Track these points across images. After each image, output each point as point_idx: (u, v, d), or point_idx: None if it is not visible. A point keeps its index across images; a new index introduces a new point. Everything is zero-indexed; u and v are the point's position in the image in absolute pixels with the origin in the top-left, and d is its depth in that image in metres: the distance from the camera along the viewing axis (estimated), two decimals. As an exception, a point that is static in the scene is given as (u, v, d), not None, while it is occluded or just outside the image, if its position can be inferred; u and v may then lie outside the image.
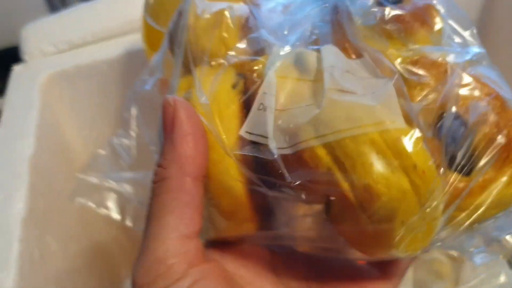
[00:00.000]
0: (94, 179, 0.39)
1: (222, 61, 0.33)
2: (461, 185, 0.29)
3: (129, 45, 0.64)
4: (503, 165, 0.29)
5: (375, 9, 0.32)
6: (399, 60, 0.31)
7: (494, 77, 0.31)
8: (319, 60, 0.30)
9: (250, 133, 0.30)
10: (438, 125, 0.29)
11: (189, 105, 0.29)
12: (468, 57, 0.32)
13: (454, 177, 0.29)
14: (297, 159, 0.29)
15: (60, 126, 0.64)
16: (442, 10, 0.33)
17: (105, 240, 0.68)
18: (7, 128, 0.56)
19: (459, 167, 0.29)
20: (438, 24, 0.33)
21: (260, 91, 0.30)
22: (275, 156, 0.29)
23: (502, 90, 0.31)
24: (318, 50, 0.31)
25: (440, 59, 0.31)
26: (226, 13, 0.34)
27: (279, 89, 0.30)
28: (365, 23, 0.31)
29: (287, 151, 0.29)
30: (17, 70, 0.64)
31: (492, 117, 0.29)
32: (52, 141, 0.60)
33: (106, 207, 0.38)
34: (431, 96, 0.30)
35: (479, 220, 0.30)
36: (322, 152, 0.28)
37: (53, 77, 0.63)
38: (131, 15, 0.65)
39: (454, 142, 0.29)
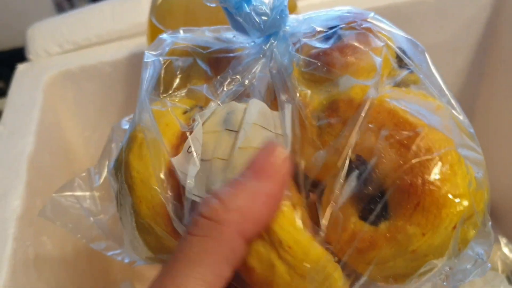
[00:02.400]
0: (66, 201, 0.39)
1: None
2: (366, 237, 0.27)
3: (133, 48, 0.64)
4: (413, 214, 0.26)
5: (298, 55, 0.31)
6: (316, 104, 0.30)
7: (418, 108, 0.28)
8: (244, 114, 0.30)
9: (176, 168, 0.30)
10: (345, 173, 0.27)
11: (288, 162, 0.26)
12: (392, 83, 0.30)
13: (358, 229, 0.27)
14: None
15: (62, 126, 0.64)
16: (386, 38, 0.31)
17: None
18: (7, 125, 0.56)
19: (366, 216, 0.27)
20: (373, 56, 0.30)
21: (191, 136, 0.30)
22: (187, 197, 0.29)
23: (423, 123, 0.27)
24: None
25: (356, 98, 0.28)
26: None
27: (205, 139, 0.30)
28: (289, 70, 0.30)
29: (198, 200, 0.29)
30: (21, 69, 0.64)
31: (401, 159, 0.26)
32: (52, 141, 0.60)
33: (70, 228, 0.38)
34: (338, 141, 0.28)
35: (396, 272, 0.27)
36: None
37: (57, 77, 0.63)
38: (136, 18, 0.65)
39: (358, 191, 0.27)
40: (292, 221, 0.27)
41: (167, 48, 0.34)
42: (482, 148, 0.78)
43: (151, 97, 0.33)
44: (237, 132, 0.29)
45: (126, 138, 0.33)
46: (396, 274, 0.28)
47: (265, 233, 0.27)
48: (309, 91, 0.30)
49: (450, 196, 0.26)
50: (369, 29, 0.31)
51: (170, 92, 0.34)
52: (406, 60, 0.30)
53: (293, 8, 0.53)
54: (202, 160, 0.30)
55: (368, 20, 0.32)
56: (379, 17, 0.33)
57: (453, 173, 0.26)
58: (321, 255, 0.27)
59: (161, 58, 0.34)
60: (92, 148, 0.68)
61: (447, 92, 0.30)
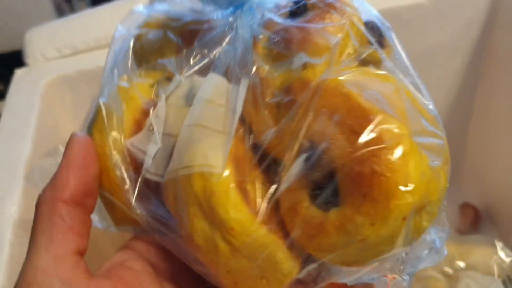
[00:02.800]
0: (50, 166, 0.40)
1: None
2: (315, 223, 0.26)
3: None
4: (362, 204, 0.25)
5: (263, 30, 0.30)
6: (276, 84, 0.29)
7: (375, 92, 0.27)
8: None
9: (134, 146, 0.31)
10: (295, 156, 0.27)
11: (88, 142, 0.31)
12: (353, 63, 0.28)
13: (309, 214, 0.26)
14: (154, 190, 0.30)
15: (60, 131, 0.64)
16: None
17: (100, 246, 0.68)
18: (5, 130, 0.56)
19: (319, 201, 0.26)
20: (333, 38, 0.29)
21: (153, 113, 0.31)
22: (143, 175, 0.30)
23: (377, 109, 0.26)
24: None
25: (312, 79, 0.28)
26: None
27: (167, 114, 0.31)
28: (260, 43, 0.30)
29: (154, 178, 0.30)
30: (19, 73, 0.65)
31: (351, 147, 0.25)
32: (50, 145, 0.60)
33: None
34: (291, 122, 0.27)
35: (348, 258, 0.27)
36: (170, 189, 0.29)
37: (55, 82, 0.63)
38: (135, 22, 0.65)
39: (306, 175, 0.26)
40: (235, 202, 0.27)
41: (140, 21, 0.35)
42: (479, 148, 0.78)
43: (119, 72, 0.33)
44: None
45: (93, 110, 0.34)
46: (349, 261, 0.27)
47: (209, 212, 0.27)
48: (267, 66, 0.29)
49: (400, 187, 0.24)
50: (332, 6, 0.29)
51: (140, 67, 0.34)
52: (370, 38, 0.29)
53: None
54: (164, 135, 0.30)
55: None
56: None
57: (405, 163, 0.25)
58: (265, 237, 0.27)
59: (132, 31, 0.34)
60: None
61: (412, 72, 0.29)
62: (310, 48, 0.28)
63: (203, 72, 0.31)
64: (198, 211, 0.28)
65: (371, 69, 0.29)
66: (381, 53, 0.29)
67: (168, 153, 0.30)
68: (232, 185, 0.27)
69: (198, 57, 0.32)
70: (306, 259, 0.28)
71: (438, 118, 0.28)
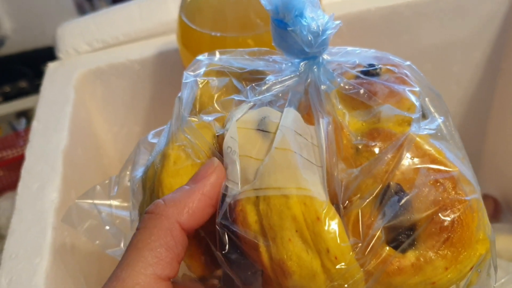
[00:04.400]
0: (87, 207, 0.41)
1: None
2: (394, 262, 0.28)
3: (161, 46, 0.65)
4: (441, 248, 0.28)
5: (346, 80, 0.32)
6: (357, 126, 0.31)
7: (451, 155, 0.31)
8: (279, 119, 0.31)
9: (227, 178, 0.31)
10: (380, 197, 0.29)
11: (223, 175, 0.31)
12: (428, 131, 0.31)
13: (387, 253, 0.28)
14: (234, 209, 0.30)
15: (92, 122, 0.66)
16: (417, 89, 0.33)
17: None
18: (41, 122, 0.58)
19: (396, 243, 0.29)
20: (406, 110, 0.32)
21: (227, 134, 0.32)
22: (229, 200, 0.30)
23: (457, 169, 0.30)
24: (282, 111, 0.32)
25: (396, 131, 0.31)
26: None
27: (239, 136, 0.31)
28: (330, 90, 0.32)
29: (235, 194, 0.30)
30: (51, 67, 0.66)
31: (438, 196, 0.28)
32: (84, 136, 0.62)
33: (88, 234, 0.40)
34: (377, 166, 0.30)
35: None
36: (251, 212, 0.29)
37: (87, 75, 0.64)
38: (163, 17, 0.67)
39: (395, 217, 0.29)
40: (341, 233, 0.28)
41: (204, 69, 0.36)
42: (499, 141, 0.79)
43: (189, 116, 0.34)
44: (273, 133, 0.30)
45: (157, 154, 0.34)
46: None
47: (311, 239, 0.28)
48: (347, 112, 0.32)
49: (476, 237, 0.28)
50: (407, 76, 0.33)
51: (206, 110, 0.35)
52: (431, 111, 0.33)
53: None
54: (240, 156, 0.31)
55: (405, 67, 0.34)
56: (415, 67, 0.35)
57: (478, 218, 0.29)
58: (358, 272, 0.28)
59: (198, 79, 0.35)
60: (120, 144, 0.70)
61: (463, 148, 0.33)
62: (396, 102, 0.32)
63: (267, 106, 0.33)
64: (296, 236, 0.28)
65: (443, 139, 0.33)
66: (444, 128, 0.33)
67: (246, 173, 0.30)
68: (337, 214, 0.28)
69: (265, 92, 0.33)
70: None
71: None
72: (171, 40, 0.65)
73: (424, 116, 0.33)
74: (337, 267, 0.28)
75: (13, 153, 0.98)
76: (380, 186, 0.29)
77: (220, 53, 0.37)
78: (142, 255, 0.27)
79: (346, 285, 0.28)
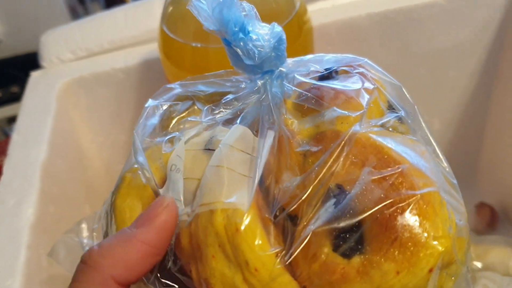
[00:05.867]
0: (73, 242, 0.39)
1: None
2: (338, 269, 0.26)
3: (146, 54, 0.64)
4: (389, 250, 0.25)
5: (294, 88, 0.31)
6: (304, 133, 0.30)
7: (404, 149, 0.28)
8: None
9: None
10: (320, 201, 0.27)
11: (175, 214, 0.28)
12: (377, 128, 0.29)
13: (330, 260, 0.26)
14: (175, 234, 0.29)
15: (75, 133, 0.64)
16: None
17: None
18: (21, 134, 0.57)
19: (340, 248, 0.26)
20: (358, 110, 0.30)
21: (173, 154, 0.30)
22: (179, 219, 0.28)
23: (408, 163, 0.27)
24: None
25: (340, 132, 0.29)
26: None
27: (186, 158, 0.30)
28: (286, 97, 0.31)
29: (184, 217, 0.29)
30: (34, 76, 0.65)
31: (382, 193, 0.26)
32: (66, 148, 0.60)
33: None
34: (319, 170, 0.27)
35: None
36: (185, 234, 0.28)
37: (70, 84, 0.63)
38: (149, 25, 0.66)
39: (332, 220, 0.26)
40: (262, 243, 0.26)
41: (170, 95, 0.35)
42: (495, 148, 0.78)
43: (147, 139, 0.33)
44: (213, 151, 0.29)
45: (118, 180, 0.33)
46: None
47: (231, 251, 0.26)
48: (296, 121, 0.30)
49: (429, 235, 0.25)
50: (362, 74, 0.31)
51: (165, 132, 0.34)
52: (396, 105, 0.31)
53: (303, 13, 0.53)
54: (185, 179, 0.30)
55: (362, 65, 0.32)
56: (373, 64, 0.33)
57: (434, 213, 0.25)
58: (289, 283, 0.26)
59: (161, 103, 0.34)
60: (105, 154, 0.68)
61: (434, 143, 0.31)
62: (342, 103, 0.30)
63: (225, 125, 0.32)
64: (219, 251, 0.27)
65: (398, 133, 0.30)
66: (408, 120, 0.31)
67: (191, 197, 0.29)
68: (259, 223, 0.27)
69: (222, 111, 0.32)
70: None
71: (457, 186, 0.29)
72: (156, 48, 0.63)
73: (393, 109, 0.31)
74: (260, 280, 0.26)
75: (4, 159, 0.97)
76: (323, 190, 0.27)
77: (193, 79, 0.35)
78: None
79: None
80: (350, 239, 0.26)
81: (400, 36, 0.67)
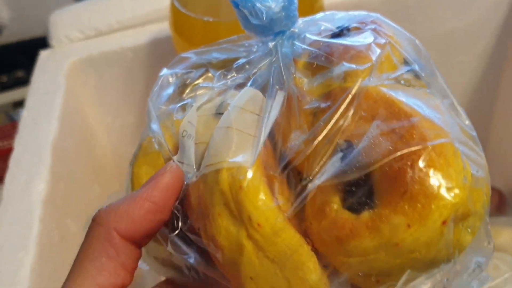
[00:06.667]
0: None
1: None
2: (346, 224, 0.25)
3: (155, 33, 0.64)
4: (399, 203, 0.24)
5: (305, 47, 0.30)
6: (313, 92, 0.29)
7: (416, 102, 0.27)
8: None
9: (180, 162, 0.30)
10: (329, 155, 0.26)
11: (178, 177, 0.28)
12: (388, 81, 0.28)
13: (338, 216, 0.25)
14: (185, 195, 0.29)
15: (84, 113, 0.64)
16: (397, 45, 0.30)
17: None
18: (31, 112, 0.56)
19: (349, 204, 0.25)
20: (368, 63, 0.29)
21: (184, 119, 0.30)
22: (185, 183, 0.29)
23: (419, 115, 0.26)
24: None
25: (349, 86, 0.28)
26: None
27: (198, 124, 0.30)
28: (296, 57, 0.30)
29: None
30: (43, 55, 0.65)
31: (391, 145, 0.25)
32: (75, 127, 0.60)
33: None
34: (327, 126, 0.27)
35: (379, 269, 0.25)
36: (194, 195, 0.28)
37: (78, 63, 0.63)
38: (158, 4, 0.65)
39: (339, 174, 0.25)
40: (264, 197, 0.26)
41: (185, 64, 0.35)
42: (504, 132, 0.78)
43: (162, 107, 0.33)
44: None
45: (136, 148, 0.33)
46: (378, 273, 0.25)
47: (235, 208, 0.26)
48: (305, 79, 0.29)
49: (441, 186, 0.24)
50: (374, 30, 0.30)
51: (179, 99, 0.34)
52: (409, 59, 0.30)
53: (320, 8, 0.53)
54: (196, 144, 0.29)
55: (375, 21, 0.31)
56: (385, 19, 0.32)
57: (447, 164, 0.24)
58: (293, 238, 0.26)
59: (175, 71, 0.34)
60: (113, 135, 0.68)
61: (451, 96, 0.29)
62: (352, 58, 0.28)
63: (237, 90, 0.31)
64: (224, 209, 0.26)
65: (411, 87, 0.29)
66: (422, 73, 0.29)
67: (201, 159, 0.29)
68: (262, 180, 0.26)
69: (234, 76, 0.32)
70: (332, 274, 0.27)
71: (477, 138, 0.28)
72: (165, 27, 0.63)
73: (408, 64, 0.30)
74: (263, 235, 0.25)
75: (9, 143, 0.97)
76: (330, 145, 0.26)
77: (207, 48, 0.35)
78: (83, 267, 0.26)
79: (284, 256, 0.26)
80: (359, 194, 0.25)
81: (409, 19, 0.66)
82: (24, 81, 1.12)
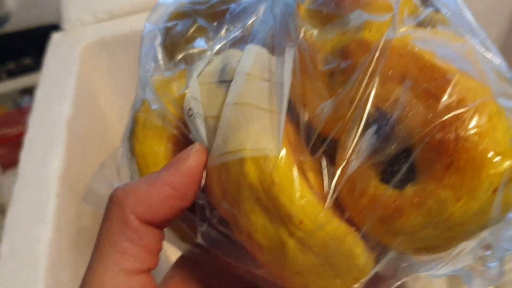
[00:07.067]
0: (102, 188, 0.39)
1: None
2: (389, 203, 0.23)
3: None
4: (445, 175, 0.22)
5: None
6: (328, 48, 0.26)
7: (449, 52, 0.24)
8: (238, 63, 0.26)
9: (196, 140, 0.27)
10: (356, 129, 0.24)
11: (201, 160, 0.26)
12: (411, 31, 0.25)
13: (379, 193, 0.23)
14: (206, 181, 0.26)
15: (96, 95, 0.64)
16: None
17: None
18: (45, 92, 0.57)
19: (392, 178, 0.23)
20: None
21: (187, 94, 0.27)
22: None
23: (455, 69, 0.23)
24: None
25: (370, 40, 0.24)
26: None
27: (201, 93, 0.27)
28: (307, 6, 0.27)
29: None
30: (56, 37, 0.65)
31: (429, 111, 0.22)
32: (88, 108, 0.60)
33: None
34: (352, 91, 0.24)
35: (428, 243, 0.24)
36: (216, 183, 0.26)
37: (91, 46, 0.63)
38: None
39: (376, 151, 0.23)
40: (301, 190, 0.23)
41: (167, 13, 0.31)
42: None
43: (153, 71, 0.31)
44: (230, 83, 0.26)
45: (130, 120, 0.31)
46: (428, 246, 0.24)
47: (270, 205, 0.24)
48: (316, 31, 0.26)
49: (489, 153, 0.21)
50: None
51: (173, 61, 0.31)
52: None
53: None
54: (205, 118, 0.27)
55: None
56: None
57: (492, 127, 0.22)
58: (338, 229, 0.24)
59: (160, 26, 0.31)
60: (125, 117, 0.68)
61: (480, 32, 0.26)
62: (367, 4, 0.25)
63: (236, 46, 0.28)
64: (256, 205, 0.24)
65: (438, 29, 0.26)
66: (447, 12, 0.26)
67: (212, 137, 0.26)
68: (295, 170, 0.23)
69: (229, 29, 0.29)
70: (381, 252, 0.25)
71: None
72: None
73: (425, 4, 0.26)
74: (307, 231, 0.23)
75: (18, 129, 0.97)
76: (358, 115, 0.23)
77: None
78: (105, 253, 0.25)
79: (330, 247, 0.24)
80: (399, 169, 0.23)
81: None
82: (31, 69, 1.12)
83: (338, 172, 0.24)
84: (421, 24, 0.26)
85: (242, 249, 0.26)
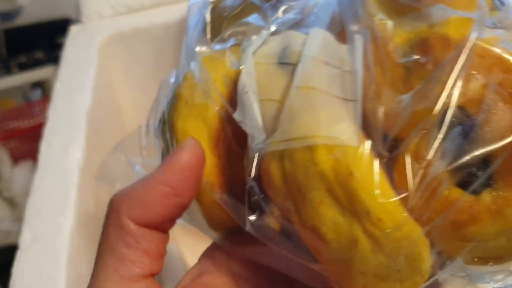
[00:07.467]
0: (119, 162, 0.38)
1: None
2: (465, 208, 0.22)
3: (186, 11, 0.64)
4: None
5: None
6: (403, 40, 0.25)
7: None
8: (303, 46, 0.25)
9: (241, 122, 0.26)
10: (438, 129, 0.23)
11: (196, 157, 0.26)
12: (497, 32, 0.24)
13: (454, 198, 0.22)
14: (260, 168, 0.24)
15: (114, 87, 0.64)
16: None
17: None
18: (64, 83, 0.57)
19: (466, 184, 0.22)
20: None
21: (242, 71, 0.26)
22: (252, 155, 0.25)
23: None
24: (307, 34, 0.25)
25: (454, 37, 0.23)
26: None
27: (257, 74, 0.26)
28: None
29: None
30: (74, 30, 0.65)
31: None
32: (106, 101, 0.60)
33: None
34: (433, 88, 0.23)
35: (497, 253, 0.23)
36: (277, 171, 0.24)
37: (110, 39, 0.63)
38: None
39: (460, 154, 0.22)
40: (384, 189, 0.22)
41: None
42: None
43: (199, 45, 0.29)
44: (294, 66, 0.24)
45: (170, 96, 0.29)
46: (495, 256, 0.23)
47: (346, 200, 0.22)
48: (390, 22, 0.25)
49: None
50: None
51: (221, 35, 0.29)
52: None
53: None
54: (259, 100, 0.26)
55: None
56: None
57: None
58: (414, 230, 0.22)
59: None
60: (141, 111, 0.68)
61: None
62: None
63: (294, 28, 0.27)
64: (327, 196, 0.23)
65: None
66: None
67: (270, 123, 0.25)
68: (376, 164, 0.22)
69: (288, 10, 0.27)
70: (445, 259, 0.24)
71: None
72: (198, 5, 0.63)
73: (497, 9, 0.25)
74: (384, 230, 0.22)
75: (29, 122, 0.97)
76: (438, 114, 0.22)
77: None
78: (104, 261, 0.24)
79: (401, 249, 0.23)
80: (479, 174, 0.22)
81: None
82: (43, 62, 1.13)
83: (421, 171, 0.23)
84: (501, 24, 0.25)
85: (297, 241, 0.25)
